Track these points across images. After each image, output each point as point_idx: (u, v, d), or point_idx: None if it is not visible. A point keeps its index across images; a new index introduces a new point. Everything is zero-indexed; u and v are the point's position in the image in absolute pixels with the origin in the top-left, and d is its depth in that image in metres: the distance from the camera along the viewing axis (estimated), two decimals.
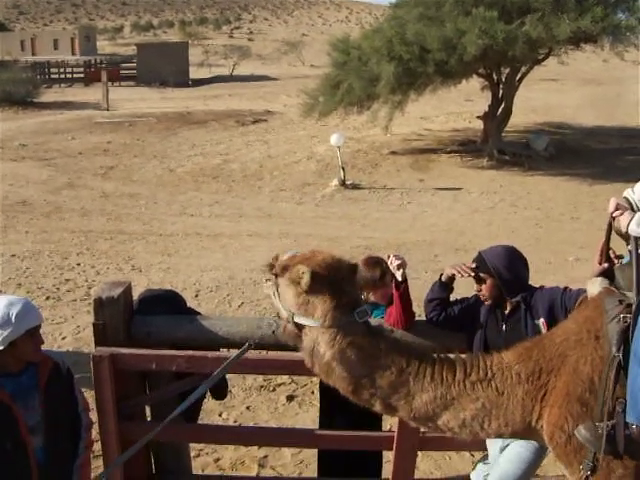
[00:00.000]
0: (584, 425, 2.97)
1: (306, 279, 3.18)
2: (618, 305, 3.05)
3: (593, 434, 2.94)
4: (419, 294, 4.37)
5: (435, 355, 3.29)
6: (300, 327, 3.27)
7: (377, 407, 3.27)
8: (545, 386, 3.12)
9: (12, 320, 3.42)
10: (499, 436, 3.35)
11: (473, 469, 4.49)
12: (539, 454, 3.99)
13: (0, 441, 3.46)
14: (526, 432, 3.22)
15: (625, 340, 2.95)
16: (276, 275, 3.35)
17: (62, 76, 51.26)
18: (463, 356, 3.35)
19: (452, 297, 4.38)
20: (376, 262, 4.78)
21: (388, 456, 4.83)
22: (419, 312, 4.68)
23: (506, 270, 4.09)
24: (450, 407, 3.17)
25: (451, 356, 3.30)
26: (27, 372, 3.60)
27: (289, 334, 3.37)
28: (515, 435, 3.30)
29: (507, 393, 3.15)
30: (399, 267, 4.18)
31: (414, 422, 3.29)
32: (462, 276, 4.17)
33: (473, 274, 4.14)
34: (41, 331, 3.65)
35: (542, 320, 4.01)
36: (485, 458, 4.45)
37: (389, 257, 4.26)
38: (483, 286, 4.15)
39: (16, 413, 3.50)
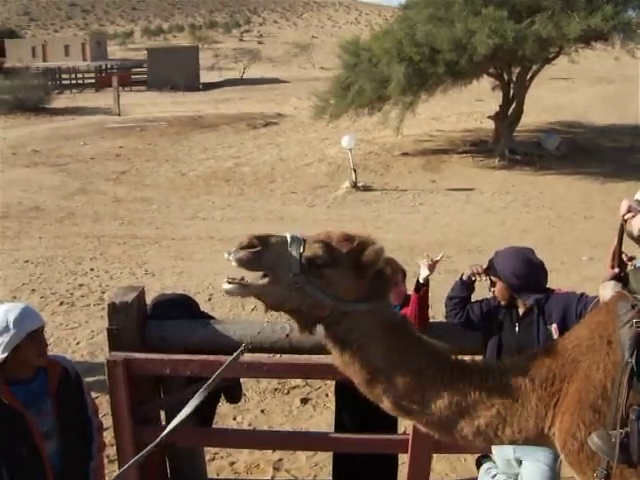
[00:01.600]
0: (597, 433, 2.91)
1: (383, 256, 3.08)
2: (631, 310, 2.97)
3: (606, 442, 2.87)
4: (432, 295, 4.35)
5: (453, 360, 3.21)
6: (340, 315, 3.05)
7: (388, 405, 3.16)
8: (558, 393, 3.07)
9: (10, 325, 3.45)
10: (512, 443, 3.31)
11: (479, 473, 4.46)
12: (557, 464, 3.97)
13: (15, 448, 3.49)
14: (539, 439, 3.17)
15: (638, 346, 2.89)
16: (325, 266, 3.01)
17: (73, 82, 51.51)
18: (479, 362, 3.31)
19: (473, 297, 4.37)
20: (386, 262, 4.78)
21: (403, 458, 4.82)
22: (432, 313, 4.67)
23: (512, 274, 4.07)
24: (465, 414, 3.11)
25: (468, 362, 3.25)
26: (37, 378, 3.62)
27: (305, 326, 3.13)
28: (528, 442, 3.26)
29: (521, 400, 3.09)
30: (430, 267, 4.18)
31: (426, 428, 3.21)
32: (474, 277, 4.17)
33: (485, 276, 4.13)
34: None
35: (554, 326, 3.98)
36: (486, 458, 4.43)
37: (426, 257, 4.26)
38: (495, 287, 4.16)
39: (29, 420, 3.52)
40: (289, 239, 2.98)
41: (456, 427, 3.14)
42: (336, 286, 3.02)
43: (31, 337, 3.50)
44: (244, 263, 2.95)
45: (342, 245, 3.04)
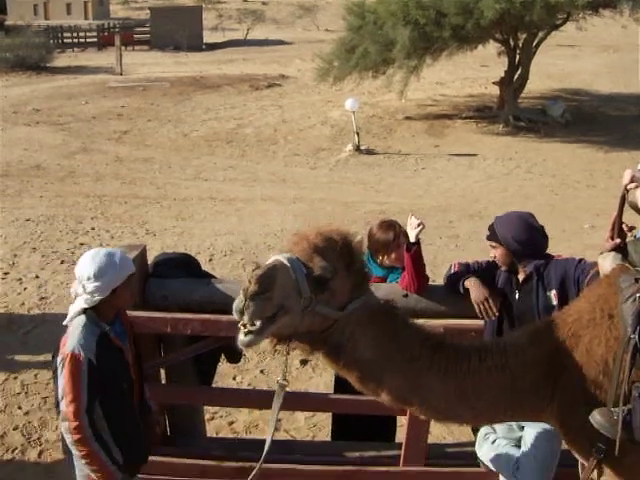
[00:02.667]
0: (599, 410, 2.87)
1: (364, 242, 3.01)
2: (634, 284, 2.91)
3: (608, 420, 2.84)
4: (433, 259, 4.33)
5: (448, 344, 3.10)
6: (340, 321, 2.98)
7: (385, 397, 3.05)
8: (558, 368, 3.01)
9: (117, 264, 3.55)
10: (512, 421, 3.26)
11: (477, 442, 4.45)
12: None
13: (120, 382, 3.67)
14: (539, 416, 3.15)
15: None
16: (329, 279, 2.89)
17: (75, 40, 50.91)
18: (476, 342, 3.25)
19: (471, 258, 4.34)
20: (389, 224, 4.77)
21: (402, 420, 4.84)
22: (433, 277, 4.65)
23: (513, 240, 3.99)
24: (464, 399, 3.02)
25: (464, 344, 3.16)
26: (116, 320, 3.76)
27: (315, 345, 3.13)
28: (527, 419, 3.22)
29: (521, 377, 3.02)
30: (418, 225, 4.12)
31: (426, 416, 3.13)
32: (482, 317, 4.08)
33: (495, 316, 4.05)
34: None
35: (554, 292, 3.92)
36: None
37: (410, 216, 4.20)
38: (495, 253, 4.10)
39: (127, 355, 3.72)
40: (288, 263, 2.80)
41: (456, 412, 3.08)
42: (338, 293, 2.93)
43: (128, 280, 3.63)
44: (260, 314, 2.76)
45: (331, 247, 2.92)
